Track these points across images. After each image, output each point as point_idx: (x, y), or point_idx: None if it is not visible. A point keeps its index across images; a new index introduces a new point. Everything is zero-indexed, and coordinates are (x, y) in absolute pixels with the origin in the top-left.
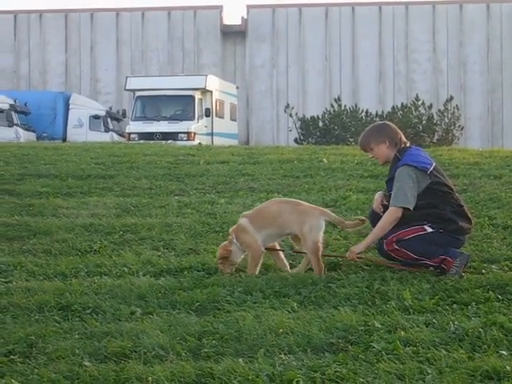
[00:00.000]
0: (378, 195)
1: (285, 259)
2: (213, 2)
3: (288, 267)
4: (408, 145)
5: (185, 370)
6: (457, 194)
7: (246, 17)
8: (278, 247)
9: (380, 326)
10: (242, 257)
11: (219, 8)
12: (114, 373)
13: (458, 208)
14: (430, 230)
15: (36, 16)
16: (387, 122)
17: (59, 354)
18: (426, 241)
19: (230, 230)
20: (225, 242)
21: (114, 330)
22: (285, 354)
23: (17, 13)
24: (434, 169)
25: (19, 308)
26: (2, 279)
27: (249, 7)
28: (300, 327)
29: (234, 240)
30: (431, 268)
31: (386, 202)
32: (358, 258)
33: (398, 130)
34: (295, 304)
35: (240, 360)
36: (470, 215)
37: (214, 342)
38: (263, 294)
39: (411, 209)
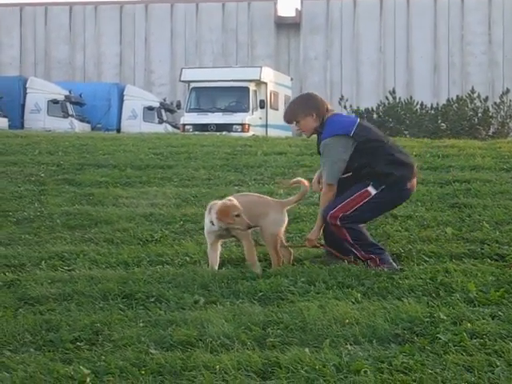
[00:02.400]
0: (315, 175)
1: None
2: None
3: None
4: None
5: (251, 359)
6: (390, 143)
7: (300, 8)
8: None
9: (445, 317)
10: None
11: (273, 0)
12: (181, 361)
13: (390, 158)
14: (373, 191)
15: (91, 8)
16: (312, 93)
17: (125, 342)
18: (370, 209)
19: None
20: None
21: (179, 318)
22: (350, 345)
23: (72, 4)
24: (357, 128)
25: (83, 296)
26: (66, 267)
27: None
28: (365, 318)
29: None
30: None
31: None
32: (318, 244)
33: (325, 101)
34: (359, 295)
35: (306, 350)
36: (406, 159)
37: (278, 331)
38: (326, 284)
39: (334, 185)
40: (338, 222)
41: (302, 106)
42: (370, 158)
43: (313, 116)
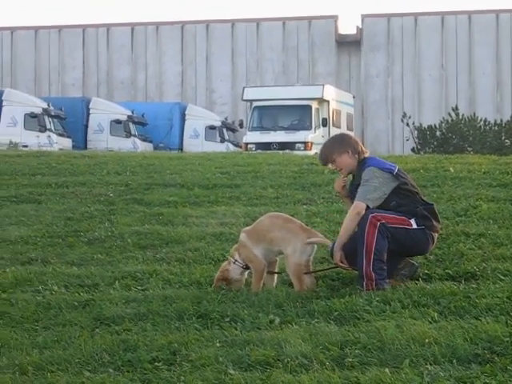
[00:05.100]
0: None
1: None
2: (327, 12)
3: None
4: (367, 155)
5: (331, 380)
6: (422, 195)
7: (360, 26)
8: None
9: None
10: (246, 274)
11: (334, 18)
12: (261, 381)
13: (428, 206)
14: (415, 225)
15: (153, 28)
16: (345, 133)
17: (203, 362)
18: (402, 237)
19: (232, 249)
20: (224, 263)
21: (255, 338)
22: (430, 365)
23: (134, 25)
24: (398, 170)
25: (159, 315)
26: (139, 287)
27: (363, 16)
28: (443, 337)
29: (236, 257)
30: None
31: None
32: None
33: (358, 140)
34: (435, 314)
35: (386, 370)
36: (437, 214)
37: (357, 351)
38: (401, 303)
39: (370, 206)
40: (379, 224)
41: (337, 144)
42: (409, 200)
43: (348, 153)
